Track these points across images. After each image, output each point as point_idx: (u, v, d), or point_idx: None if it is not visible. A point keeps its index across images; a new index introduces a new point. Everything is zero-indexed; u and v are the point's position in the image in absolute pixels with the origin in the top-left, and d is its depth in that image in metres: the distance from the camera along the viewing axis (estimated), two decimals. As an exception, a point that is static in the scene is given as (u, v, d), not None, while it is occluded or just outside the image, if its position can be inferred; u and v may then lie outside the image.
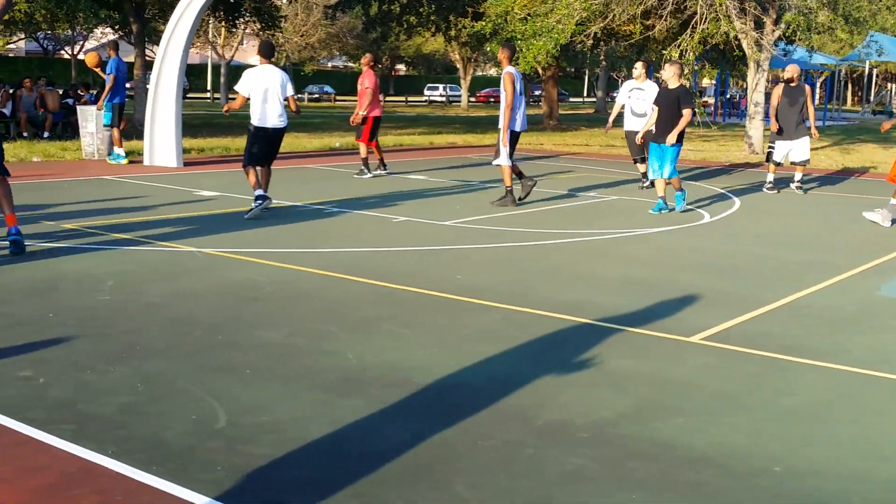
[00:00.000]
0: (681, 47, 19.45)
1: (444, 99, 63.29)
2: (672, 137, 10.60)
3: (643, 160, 12.94)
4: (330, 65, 74.75)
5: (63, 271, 6.84)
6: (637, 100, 13.10)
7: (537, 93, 59.85)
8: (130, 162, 15.03)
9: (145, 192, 11.66)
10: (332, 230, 9.18)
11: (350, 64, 65.07)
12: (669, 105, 10.73)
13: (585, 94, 79.23)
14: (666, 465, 3.64)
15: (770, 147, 13.94)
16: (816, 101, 47.93)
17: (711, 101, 44.96)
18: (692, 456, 3.74)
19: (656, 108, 11.08)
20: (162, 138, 14.82)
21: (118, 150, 15.09)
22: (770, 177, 13.84)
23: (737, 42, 20.03)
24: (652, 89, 12.68)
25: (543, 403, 4.32)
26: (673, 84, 10.82)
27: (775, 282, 7.18)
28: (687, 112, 10.57)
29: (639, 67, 13.31)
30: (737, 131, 28.75)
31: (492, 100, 62.38)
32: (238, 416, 4.03)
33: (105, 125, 15.17)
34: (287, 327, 5.50)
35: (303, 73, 59.31)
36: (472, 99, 63.36)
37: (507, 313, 5.98)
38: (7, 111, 19.09)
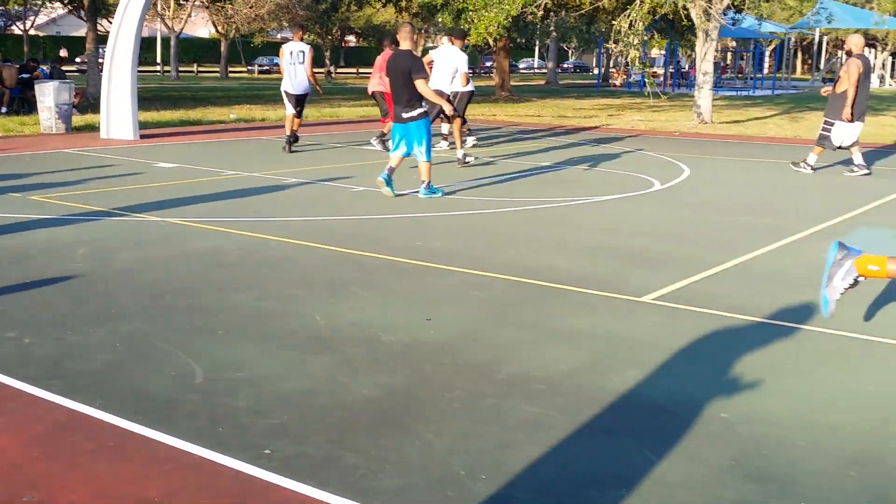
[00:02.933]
0: (630, 17, 19.73)
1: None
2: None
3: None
4: (279, 36, 73.92)
5: (35, 241, 6.96)
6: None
7: (488, 64, 59.98)
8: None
9: (105, 164, 11.69)
10: (294, 200, 9.34)
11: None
12: (400, 75, 9.32)
13: (536, 64, 79.47)
14: (621, 413, 3.92)
15: (827, 130, 12.29)
16: (765, 71, 48.80)
17: (661, 71, 45.51)
18: (645, 404, 4.02)
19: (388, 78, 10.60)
20: (118, 111, 14.77)
21: None
22: (814, 158, 12.65)
23: (685, 12, 20.37)
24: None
25: (503, 358, 4.58)
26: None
27: (724, 245, 7.51)
28: (420, 83, 9.27)
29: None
30: (686, 101, 29.25)
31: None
32: (215, 373, 4.23)
33: None
34: (256, 291, 5.70)
35: (252, 45, 58.72)
36: (426, 70, 63.15)
37: (466, 277, 6.23)
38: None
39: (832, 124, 12.26)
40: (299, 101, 13.54)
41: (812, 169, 12.66)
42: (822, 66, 58.04)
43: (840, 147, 12.38)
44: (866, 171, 12.33)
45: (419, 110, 9.37)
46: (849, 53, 12.29)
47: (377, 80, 13.69)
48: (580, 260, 6.85)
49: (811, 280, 6.43)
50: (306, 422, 3.72)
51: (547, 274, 6.33)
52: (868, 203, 9.98)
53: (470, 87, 13.73)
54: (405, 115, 9.40)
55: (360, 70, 63.10)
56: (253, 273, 6.17)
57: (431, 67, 12.75)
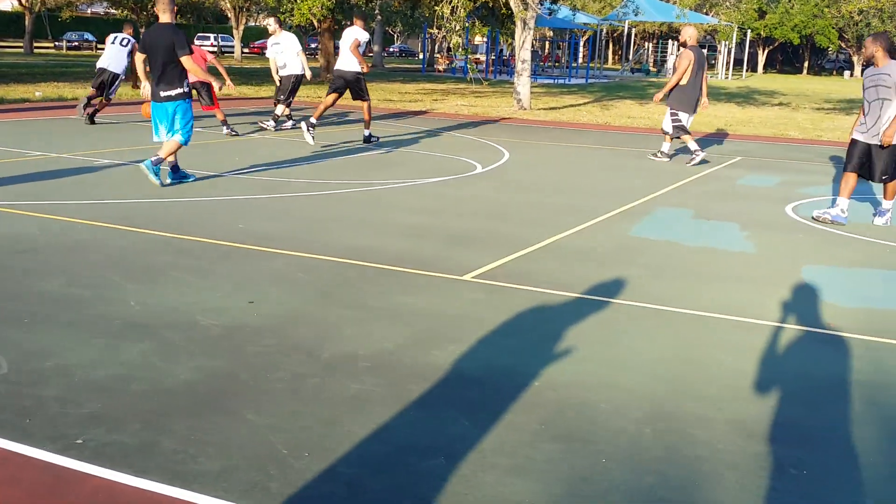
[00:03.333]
0: (452, 3, 20.04)
1: (215, 50, 61.28)
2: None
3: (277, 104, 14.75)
4: (90, 11, 70.08)
5: None
6: (278, 53, 14.51)
7: (313, 45, 59.27)
8: None
9: None
10: (107, 182, 8.91)
11: (112, 10, 61.32)
12: (162, 51, 8.64)
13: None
14: (441, 387, 4.02)
15: (675, 119, 12.69)
16: (580, 60, 50.83)
17: (483, 58, 46.51)
18: (465, 377, 4.15)
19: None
20: None
21: None
22: (667, 146, 13.19)
23: (504, 0, 20.88)
24: (288, 40, 14.43)
25: (328, 338, 4.59)
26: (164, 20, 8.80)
27: (539, 225, 7.81)
28: (186, 59, 8.67)
29: (272, 23, 14.44)
30: (507, 88, 30.05)
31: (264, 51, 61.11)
32: (22, 363, 4.00)
33: None
34: (65, 277, 5.42)
35: (60, 19, 55.37)
36: (246, 50, 61.79)
37: (292, 259, 6.18)
38: None
39: (676, 114, 12.58)
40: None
41: (669, 157, 13.09)
42: (630, 56, 60.99)
43: (668, 133, 12.85)
44: (703, 157, 12.67)
45: (180, 89, 8.72)
46: (683, 45, 12.60)
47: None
48: (404, 241, 6.93)
49: (617, 256, 6.79)
50: (121, 409, 3.59)
51: (371, 255, 6.37)
52: (669, 185, 10.63)
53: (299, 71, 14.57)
54: (163, 94, 8.68)
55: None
56: (62, 259, 5.86)
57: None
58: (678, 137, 12.91)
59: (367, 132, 13.44)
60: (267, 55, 14.89)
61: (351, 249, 6.50)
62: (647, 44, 67.63)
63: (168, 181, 8.95)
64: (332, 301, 5.26)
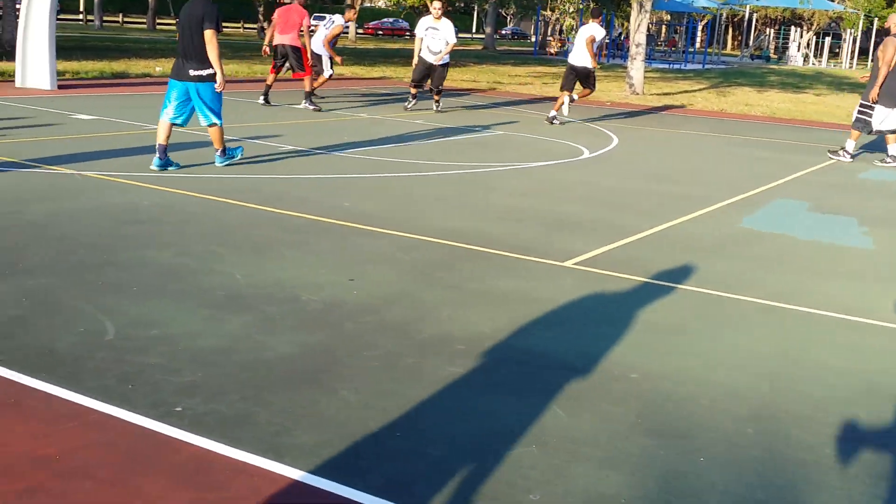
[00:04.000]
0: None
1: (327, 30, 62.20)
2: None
3: (417, 86, 14.65)
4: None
5: (-64, 191, 6.66)
6: (432, 38, 14.07)
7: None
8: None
9: (20, 114, 11.26)
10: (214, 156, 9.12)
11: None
12: (194, 24, 7.99)
13: (474, 30, 79.21)
14: (536, 373, 3.95)
15: (865, 112, 11.57)
16: (697, 45, 49.47)
17: (596, 41, 45.69)
18: (560, 364, 4.06)
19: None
20: (35, 60, 14.22)
21: None
22: (852, 145, 11.97)
23: (621, -18, 20.46)
24: (446, 28, 14.09)
25: (424, 319, 4.57)
26: None
27: (645, 213, 7.61)
28: (209, 33, 7.93)
29: (437, 7, 14.11)
30: (619, 72, 29.50)
31: (380, 32, 61.66)
32: (127, 330, 4.12)
33: None
34: (174, 248, 5.57)
35: (184, -3, 57.08)
36: (360, 31, 62.49)
37: (393, 238, 6.19)
38: None
39: (870, 107, 11.39)
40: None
41: (851, 156, 11.84)
42: (751, 42, 59.07)
43: (878, 132, 11.52)
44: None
45: (211, 69, 7.99)
46: (887, 32, 11.36)
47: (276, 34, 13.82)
48: (505, 224, 6.86)
49: (725, 248, 6.56)
50: (220, 379, 3.65)
51: (472, 237, 6.33)
52: (786, 176, 10.22)
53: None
54: (193, 73, 8.01)
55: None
56: (172, 230, 6.03)
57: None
58: (872, 133, 11.57)
59: (553, 114, 14.11)
60: (417, 35, 14.42)
61: (451, 231, 6.47)
62: (768, 29, 65.32)
63: (156, 167, 8.06)
64: (430, 282, 5.25)
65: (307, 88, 14.07)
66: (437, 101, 14.96)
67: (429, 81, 14.59)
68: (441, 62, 14.32)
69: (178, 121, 8.23)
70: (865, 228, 7.52)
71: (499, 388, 3.77)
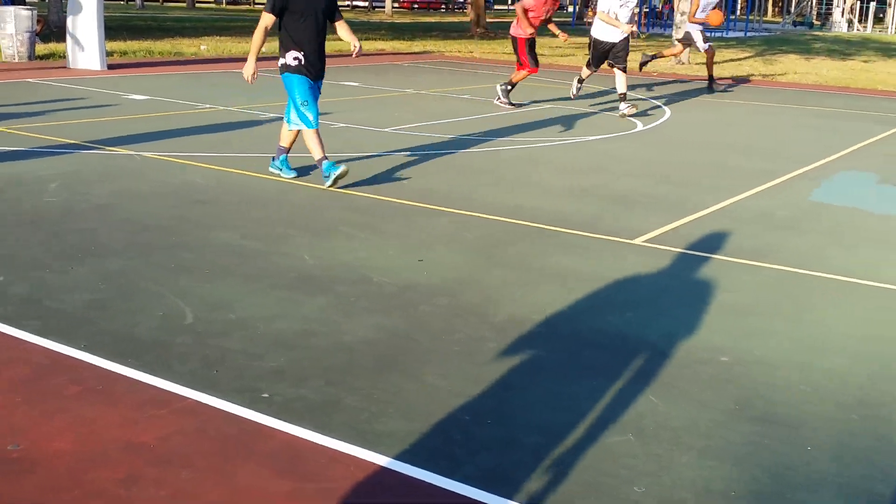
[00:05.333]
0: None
1: (367, 4, 61.98)
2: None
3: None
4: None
5: (3, 174, 6.69)
6: (626, 9, 11.39)
7: None
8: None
9: (73, 94, 11.31)
10: (271, 135, 9.08)
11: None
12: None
13: (510, 1, 78.34)
14: (620, 355, 3.86)
15: None
16: (737, 13, 48.52)
17: (636, 10, 45.04)
18: (644, 346, 3.96)
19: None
20: (85, 40, 14.27)
21: None
22: None
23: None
24: None
25: (498, 300, 4.49)
26: None
27: (708, 187, 7.44)
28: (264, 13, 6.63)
29: None
30: (661, 42, 29.00)
31: (415, 6, 61.25)
32: (205, 314, 4.09)
33: None
34: (240, 230, 5.53)
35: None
36: (396, 5, 62.16)
37: (456, 217, 6.11)
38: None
39: None
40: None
41: None
42: (792, 8, 57.80)
43: None
44: None
45: (281, 60, 6.70)
46: None
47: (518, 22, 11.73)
48: (565, 201, 6.74)
49: (796, 222, 6.39)
50: (303, 364, 3.61)
51: (534, 214, 6.22)
52: (849, 147, 9.95)
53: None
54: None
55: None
56: (234, 210, 5.99)
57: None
58: None
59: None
60: (601, 9, 11.49)
61: (513, 208, 6.37)
62: (810, -5, 63.80)
63: (282, 172, 7.09)
64: (498, 262, 5.16)
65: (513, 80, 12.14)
66: (624, 99, 11.72)
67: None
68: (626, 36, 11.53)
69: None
70: (938, 201, 7.29)
71: (585, 372, 3.68)
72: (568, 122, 11.03)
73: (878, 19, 56.91)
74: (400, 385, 3.46)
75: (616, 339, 4.05)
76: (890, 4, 50.89)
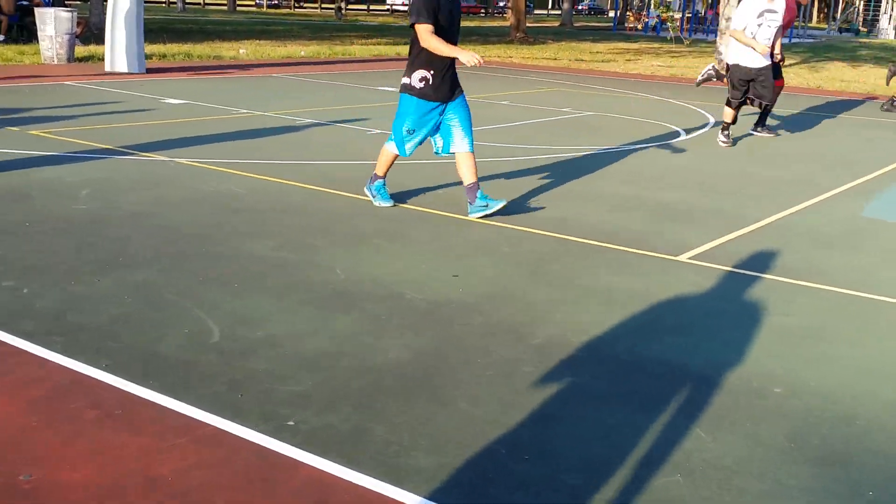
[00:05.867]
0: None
1: (406, 8, 61.96)
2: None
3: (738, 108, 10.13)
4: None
5: (35, 179, 6.61)
6: (768, 27, 9.59)
7: (502, 3, 58.79)
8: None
9: (110, 98, 11.29)
10: (308, 142, 8.97)
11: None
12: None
13: (550, 6, 78.01)
14: (664, 383, 3.64)
15: None
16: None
17: (678, 15, 44.55)
18: (690, 374, 3.74)
19: None
20: (124, 43, 14.30)
21: None
22: None
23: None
24: (781, 5, 9.56)
25: (538, 320, 4.29)
26: None
27: (757, 200, 7.18)
28: (419, 27, 5.86)
29: None
30: (703, 48, 28.60)
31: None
32: (232, 330, 3.94)
33: None
34: (273, 240, 5.39)
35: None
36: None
37: (494, 229, 5.91)
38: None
39: None
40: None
41: None
42: (838, 14, 56.86)
43: None
44: None
45: (405, 79, 6.02)
46: None
47: None
48: (609, 213, 6.52)
49: (849, 240, 6.11)
50: (331, 387, 3.44)
51: (576, 228, 6.01)
52: (903, 159, 9.61)
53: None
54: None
55: (371, 7, 61.98)
56: (269, 219, 5.85)
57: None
58: None
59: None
60: (737, 27, 9.64)
61: (554, 221, 6.16)
62: (857, 1, 62.75)
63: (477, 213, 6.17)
64: (539, 278, 4.96)
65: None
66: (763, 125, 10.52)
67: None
68: (770, 60, 9.70)
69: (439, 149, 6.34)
70: None
71: (627, 402, 3.47)
72: (608, 128, 10.78)
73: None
74: (431, 412, 3.28)
75: (661, 365, 3.83)
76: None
